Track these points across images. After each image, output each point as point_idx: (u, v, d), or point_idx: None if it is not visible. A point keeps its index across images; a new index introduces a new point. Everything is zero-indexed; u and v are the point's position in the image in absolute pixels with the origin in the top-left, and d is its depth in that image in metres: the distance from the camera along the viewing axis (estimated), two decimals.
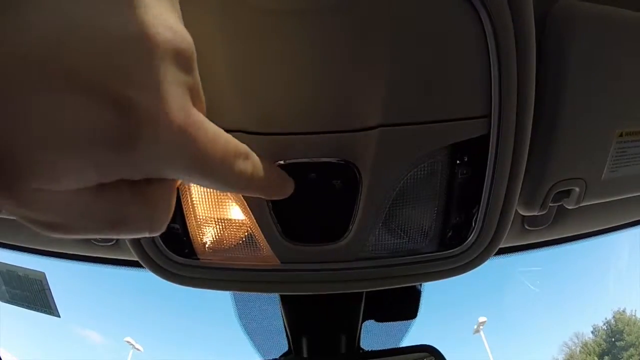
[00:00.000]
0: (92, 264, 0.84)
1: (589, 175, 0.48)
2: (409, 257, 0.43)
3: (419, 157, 0.37)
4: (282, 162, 0.37)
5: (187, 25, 0.18)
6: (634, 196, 0.55)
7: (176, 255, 0.45)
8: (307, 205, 0.40)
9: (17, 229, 0.76)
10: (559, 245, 0.70)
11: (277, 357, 0.77)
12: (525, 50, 0.34)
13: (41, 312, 1.30)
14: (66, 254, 0.86)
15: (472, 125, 0.36)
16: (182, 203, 0.44)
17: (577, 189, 0.48)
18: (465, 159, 0.39)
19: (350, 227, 0.40)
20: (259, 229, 0.42)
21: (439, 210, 0.41)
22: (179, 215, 0.45)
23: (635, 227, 0.79)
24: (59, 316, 1.31)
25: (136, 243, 0.45)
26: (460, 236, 0.43)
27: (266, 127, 0.35)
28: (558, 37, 0.41)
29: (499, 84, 0.34)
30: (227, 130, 0.36)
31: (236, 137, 0.35)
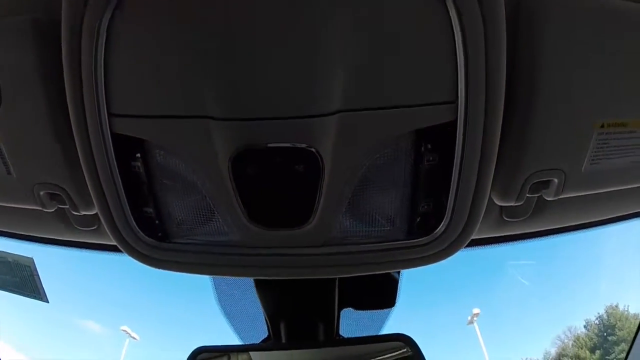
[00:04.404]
0: (74, 249, 0.84)
1: (568, 166, 0.46)
2: (377, 244, 0.42)
3: (381, 142, 0.37)
4: (246, 148, 0.38)
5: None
6: (618, 190, 0.54)
7: (150, 239, 0.46)
8: (272, 190, 0.41)
9: (2, 214, 0.77)
10: (539, 238, 0.70)
11: (258, 342, 0.78)
12: (494, 33, 0.33)
13: (30, 297, 1.31)
14: (49, 239, 0.86)
15: (438, 110, 0.36)
16: (154, 187, 0.45)
17: (556, 180, 0.46)
18: (432, 146, 0.38)
19: (315, 212, 0.40)
20: (227, 213, 0.43)
21: (406, 197, 0.41)
22: (152, 199, 0.46)
23: (620, 222, 0.78)
24: (47, 301, 1.32)
25: (113, 227, 0.46)
26: (430, 225, 0.43)
27: (230, 112, 0.36)
28: (532, 22, 0.39)
29: (465, 68, 0.34)
30: (193, 117, 0.37)
31: (201, 124, 0.36)
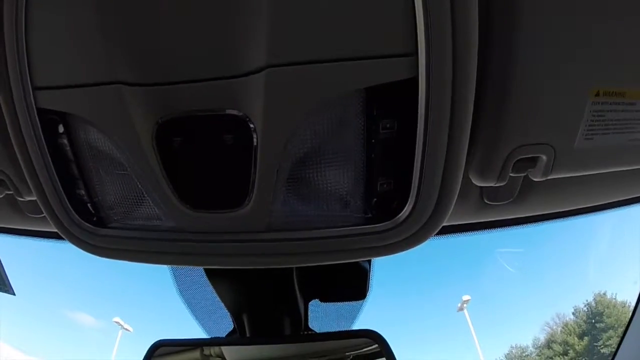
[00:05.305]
0: (21, 237, 0.80)
1: (558, 141, 0.40)
2: (329, 229, 0.36)
3: (323, 105, 0.31)
4: (168, 117, 0.34)
5: None
6: (614, 172, 0.48)
7: (88, 224, 0.44)
8: (203, 167, 0.36)
9: None
10: (525, 225, 0.64)
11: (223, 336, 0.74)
12: None
13: None
14: (2, 227, 0.83)
15: (392, 65, 0.29)
16: (83, 167, 0.42)
17: (544, 158, 0.40)
18: (389, 110, 0.32)
19: (251, 190, 0.35)
20: (155, 194, 0.38)
21: (359, 173, 0.35)
22: (82, 180, 0.43)
23: (615, 209, 0.73)
24: (13, 294, 1.27)
25: (50, 210, 0.44)
26: (392, 208, 0.36)
27: (146, 77, 0.33)
28: None
29: (424, 11, 0.27)
30: (104, 84, 0.32)
31: (116, 91, 0.32)
